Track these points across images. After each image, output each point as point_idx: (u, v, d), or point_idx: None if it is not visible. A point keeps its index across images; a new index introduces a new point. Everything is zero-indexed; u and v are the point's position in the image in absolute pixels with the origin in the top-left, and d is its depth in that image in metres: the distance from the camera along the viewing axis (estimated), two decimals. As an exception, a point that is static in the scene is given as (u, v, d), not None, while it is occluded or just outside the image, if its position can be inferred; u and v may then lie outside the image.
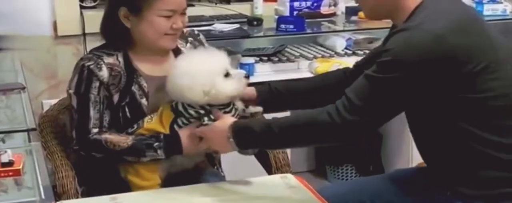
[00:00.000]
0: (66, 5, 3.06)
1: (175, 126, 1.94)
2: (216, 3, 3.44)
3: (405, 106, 1.72)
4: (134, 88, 1.99)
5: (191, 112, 1.92)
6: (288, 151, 2.82)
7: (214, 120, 1.89)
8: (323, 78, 2.10)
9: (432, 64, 1.61)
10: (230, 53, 3.09)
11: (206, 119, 1.90)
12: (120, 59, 2.00)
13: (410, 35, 1.62)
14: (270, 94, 2.03)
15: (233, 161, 2.28)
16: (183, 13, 1.99)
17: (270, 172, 2.14)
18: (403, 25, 1.68)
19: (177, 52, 2.08)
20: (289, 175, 1.96)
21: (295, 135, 1.74)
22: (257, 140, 1.79)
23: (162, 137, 1.94)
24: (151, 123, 1.97)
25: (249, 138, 1.79)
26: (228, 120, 1.85)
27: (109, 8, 2.02)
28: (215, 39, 3.03)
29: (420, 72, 1.61)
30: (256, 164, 2.24)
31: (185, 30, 2.13)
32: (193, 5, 3.36)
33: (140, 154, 1.94)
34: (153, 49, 2.01)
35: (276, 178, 1.98)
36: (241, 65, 3.03)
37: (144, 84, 2.01)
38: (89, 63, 1.96)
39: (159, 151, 1.93)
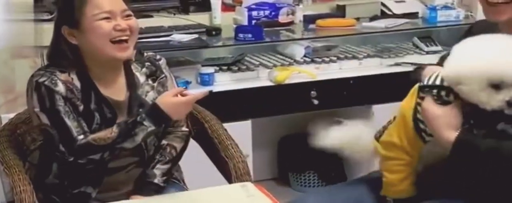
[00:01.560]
0: (22, 18, 3.03)
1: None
2: (174, 14, 3.44)
3: None
4: (92, 107, 1.96)
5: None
6: (250, 159, 2.85)
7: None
8: None
9: None
10: (189, 63, 3.15)
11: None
12: (73, 76, 1.96)
13: None
14: None
15: (193, 170, 2.28)
16: (127, 16, 1.95)
17: (230, 181, 2.14)
18: None
19: (129, 75, 2.04)
20: (249, 184, 1.97)
21: None
22: (477, 159, 1.62)
23: (141, 110, 1.95)
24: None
25: (470, 155, 1.62)
26: (454, 114, 1.63)
27: (54, 32, 1.99)
28: (174, 49, 3.05)
29: None
30: (216, 173, 2.25)
31: (145, 53, 2.11)
32: (151, 16, 3.36)
33: (131, 134, 1.91)
34: (105, 64, 1.98)
35: (236, 186, 1.99)
36: (201, 75, 3.04)
37: (105, 99, 1.98)
38: (42, 79, 1.92)
39: (146, 122, 1.90)
